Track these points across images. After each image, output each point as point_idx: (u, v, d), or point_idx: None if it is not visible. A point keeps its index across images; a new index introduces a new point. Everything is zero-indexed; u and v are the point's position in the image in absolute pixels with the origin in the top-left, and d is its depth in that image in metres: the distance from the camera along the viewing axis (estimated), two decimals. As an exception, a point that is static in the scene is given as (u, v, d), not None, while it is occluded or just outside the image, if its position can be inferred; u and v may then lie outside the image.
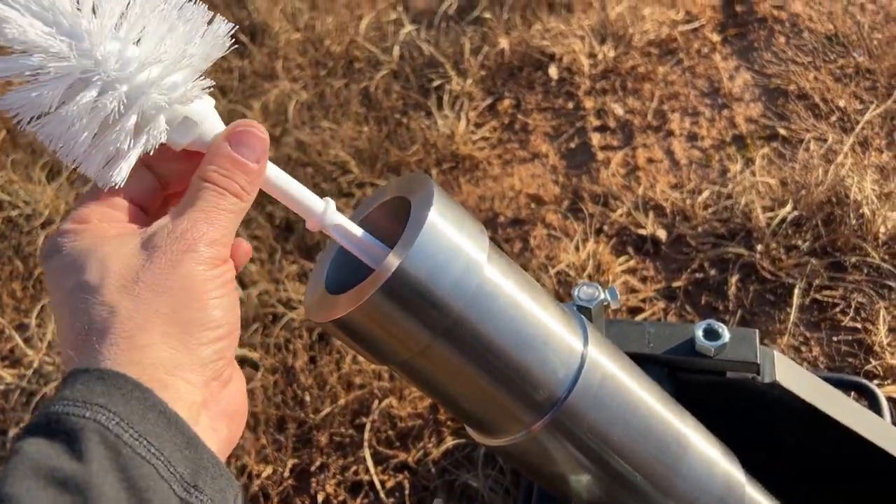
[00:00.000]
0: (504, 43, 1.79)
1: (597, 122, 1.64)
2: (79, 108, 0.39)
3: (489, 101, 1.71)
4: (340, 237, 0.49)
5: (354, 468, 1.14)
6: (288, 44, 1.96)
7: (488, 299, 0.56)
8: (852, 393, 0.97)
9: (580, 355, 0.61)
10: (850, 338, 1.17)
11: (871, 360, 1.13)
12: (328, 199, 0.47)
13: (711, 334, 0.75)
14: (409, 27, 1.90)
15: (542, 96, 1.72)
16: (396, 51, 1.86)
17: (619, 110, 1.65)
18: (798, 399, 0.76)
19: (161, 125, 0.41)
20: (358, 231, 0.50)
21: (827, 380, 0.85)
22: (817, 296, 1.22)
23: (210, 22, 0.43)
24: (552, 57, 1.78)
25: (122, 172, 0.40)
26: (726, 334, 0.75)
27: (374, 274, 0.52)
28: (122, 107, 0.40)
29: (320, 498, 1.12)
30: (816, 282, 1.23)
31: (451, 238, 0.53)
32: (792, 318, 1.19)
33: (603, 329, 0.78)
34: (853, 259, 1.24)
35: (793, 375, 0.78)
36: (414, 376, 0.59)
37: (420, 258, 0.51)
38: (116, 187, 0.41)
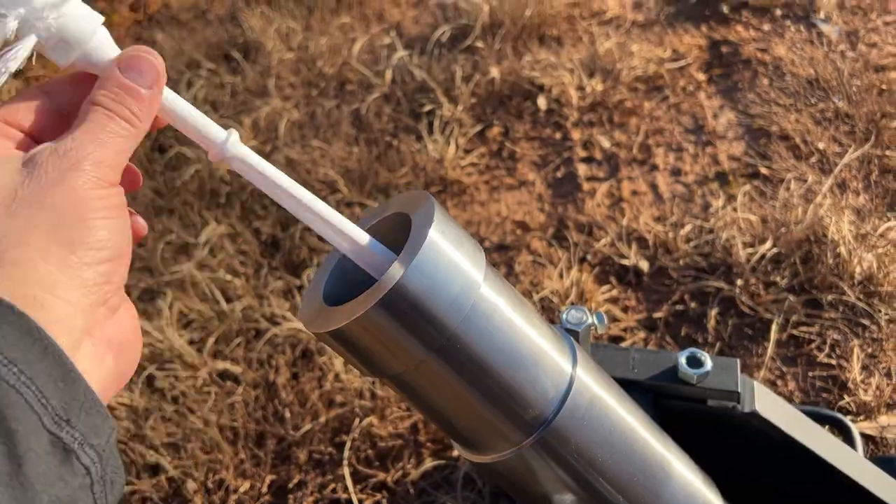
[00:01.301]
0: (495, 72, 1.83)
1: (583, 154, 1.67)
2: None
3: (478, 128, 1.74)
4: (243, 168, 0.46)
5: (333, 486, 1.14)
6: (281, 63, 1.98)
7: (484, 318, 0.57)
8: (826, 427, 0.99)
9: (569, 376, 0.62)
10: (824, 374, 1.20)
11: (845, 395, 1.16)
12: (232, 129, 0.45)
13: (694, 362, 0.77)
14: (401, 52, 1.93)
15: (531, 125, 1.75)
16: (389, 74, 1.88)
17: (605, 143, 1.69)
18: (776, 429, 0.78)
19: (31, 41, 0.39)
20: (270, 170, 0.47)
21: (803, 413, 0.87)
22: (794, 331, 1.25)
23: None
24: (541, 88, 1.81)
25: None
26: (709, 363, 0.77)
27: (373, 287, 0.53)
28: (9, 30, 0.39)
29: (299, 516, 1.12)
30: (793, 318, 1.26)
31: (450, 256, 0.54)
32: (769, 352, 1.21)
33: (589, 353, 0.79)
34: (829, 297, 1.27)
35: (772, 406, 0.79)
36: (406, 391, 0.60)
37: (420, 274, 0.52)
38: None
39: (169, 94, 0.43)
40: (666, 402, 0.79)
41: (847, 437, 0.96)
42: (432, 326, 0.53)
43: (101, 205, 0.37)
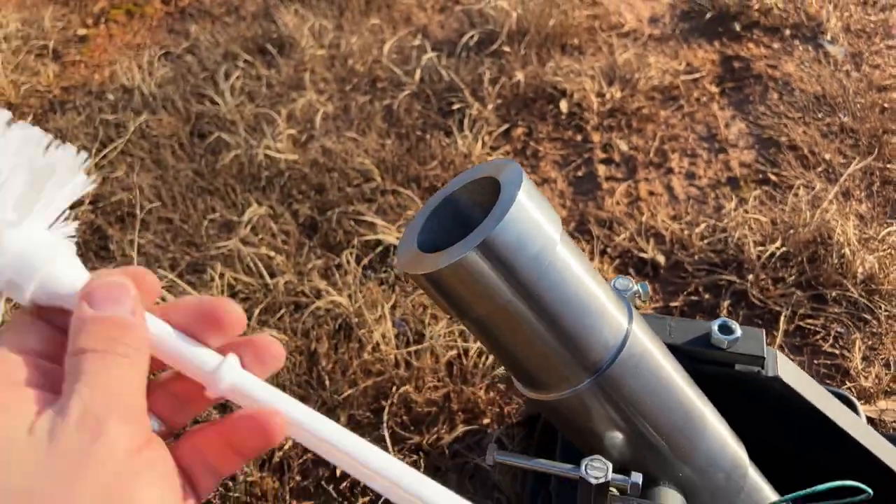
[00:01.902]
0: (520, 76, 1.92)
1: (603, 155, 1.77)
2: None
3: (504, 127, 1.83)
4: (245, 400, 0.36)
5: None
6: (314, 59, 2.07)
7: (559, 272, 0.66)
8: (833, 403, 1.08)
9: (626, 330, 0.71)
10: (829, 362, 1.30)
11: (847, 382, 1.25)
12: (231, 354, 0.36)
13: (725, 329, 0.87)
14: (430, 53, 2.03)
15: (553, 127, 1.85)
16: (418, 74, 1.98)
17: (623, 146, 1.79)
18: (797, 395, 0.88)
19: None
20: (263, 390, 0.36)
21: None
22: (801, 323, 1.35)
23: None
24: (564, 92, 1.91)
25: None
26: (738, 330, 0.86)
27: (468, 238, 0.62)
28: None
29: (339, 471, 1.20)
30: (800, 311, 1.36)
31: (534, 216, 0.64)
32: (778, 341, 1.31)
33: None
34: (834, 293, 1.37)
35: (793, 373, 0.89)
36: (484, 331, 0.69)
37: (509, 229, 0.62)
38: None
39: (153, 321, 0.35)
40: (698, 366, 0.89)
41: (853, 412, 1.06)
42: (515, 276, 0.63)
43: (145, 478, 0.31)
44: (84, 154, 0.37)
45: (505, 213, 0.62)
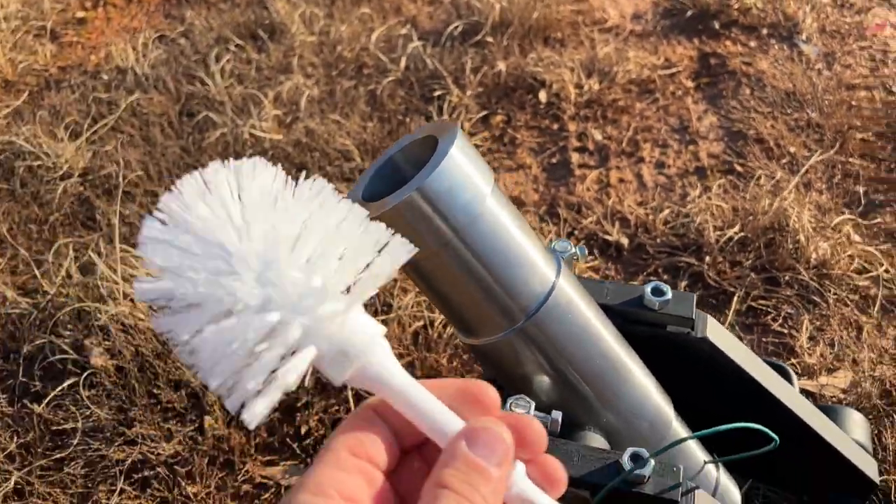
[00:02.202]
0: (501, 66, 1.98)
1: (577, 144, 1.83)
2: (241, 339, 0.33)
3: (483, 113, 1.89)
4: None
5: (336, 407, 1.28)
6: (303, 45, 2.13)
7: (488, 222, 0.72)
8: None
9: (552, 282, 0.77)
10: (777, 340, 1.35)
11: (792, 358, 1.31)
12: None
13: (657, 292, 0.92)
14: (416, 42, 2.09)
15: (531, 116, 1.91)
16: (403, 62, 2.04)
17: (597, 135, 1.84)
18: (725, 356, 0.93)
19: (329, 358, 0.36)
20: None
21: None
22: (753, 304, 1.40)
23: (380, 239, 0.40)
24: (543, 83, 1.97)
25: (263, 410, 0.34)
26: (669, 293, 0.92)
27: (405, 187, 0.68)
28: (291, 338, 0.34)
29: (303, 430, 1.26)
30: (754, 292, 1.42)
31: (466, 170, 0.70)
32: (729, 318, 1.37)
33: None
34: (787, 276, 1.43)
35: (722, 336, 0.95)
36: (422, 278, 0.75)
37: (441, 179, 0.68)
38: (252, 426, 0.34)
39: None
40: (632, 327, 0.94)
41: (788, 382, 1.12)
42: (446, 223, 0.69)
43: None
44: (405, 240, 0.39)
45: (438, 164, 0.68)
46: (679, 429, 0.90)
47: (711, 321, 0.95)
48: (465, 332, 0.80)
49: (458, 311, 0.77)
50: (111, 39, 2.32)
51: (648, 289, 0.93)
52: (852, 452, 1.04)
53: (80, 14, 2.48)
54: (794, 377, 1.12)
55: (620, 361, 0.84)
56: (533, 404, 0.76)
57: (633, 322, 0.95)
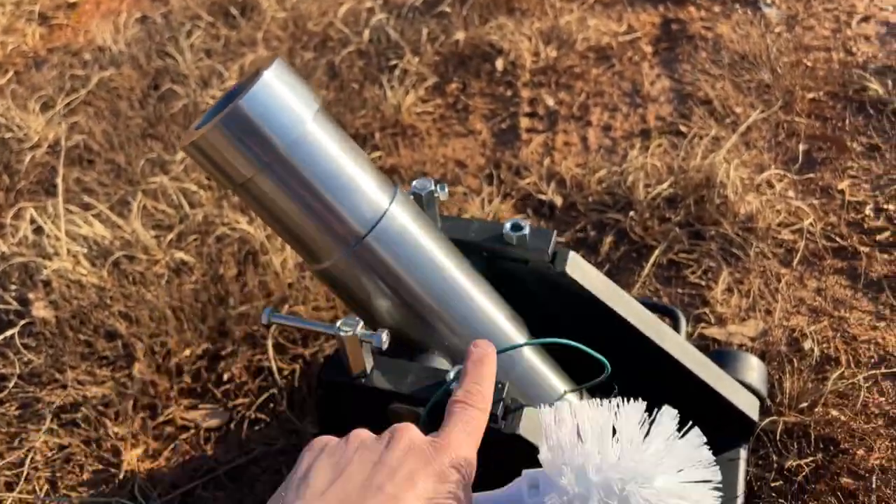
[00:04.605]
0: (460, 35, 2.01)
1: (528, 110, 1.85)
2: None
3: (438, 82, 1.93)
4: None
5: (260, 357, 1.34)
6: (273, 20, 2.19)
7: (311, 146, 0.77)
8: (663, 317, 1.16)
9: (384, 209, 0.81)
10: (693, 292, 1.37)
11: (706, 309, 1.32)
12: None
13: (515, 227, 0.95)
14: (380, 15, 2.13)
15: (486, 83, 1.94)
16: (366, 34, 2.08)
17: (549, 101, 1.86)
18: (584, 289, 0.96)
19: None
20: None
21: (642, 303, 1.04)
22: (675, 257, 1.42)
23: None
24: (500, 51, 1.99)
25: None
26: (527, 228, 0.95)
27: (222, 112, 0.73)
28: None
29: (226, 377, 1.32)
30: (677, 247, 1.43)
31: (280, 94, 0.74)
32: (646, 271, 1.38)
33: (437, 219, 0.98)
34: (712, 231, 1.44)
35: (583, 271, 0.97)
36: (251, 201, 0.79)
37: (254, 103, 0.72)
38: None
39: None
40: (497, 262, 0.98)
41: (676, 325, 1.14)
42: (262, 146, 0.73)
43: None
44: None
45: (250, 89, 0.73)
46: (532, 358, 0.93)
47: (575, 257, 0.98)
48: (308, 258, 0.84)
49: (294, 234, 0.81)
50: (98, 22, 2.41)
51: (508, 225, 0.96)
52: (731, 392, 1.06)
53: (72, -1, 2.58)
54: (683, 320, 1.14)
55: (463, 289, 0.87)
56: (360, 323, 0.80)
57: (498, 258, 0.98)
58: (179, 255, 1.46)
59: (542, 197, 1.59)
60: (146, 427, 1.27)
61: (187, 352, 1.35)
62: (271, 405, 1.28)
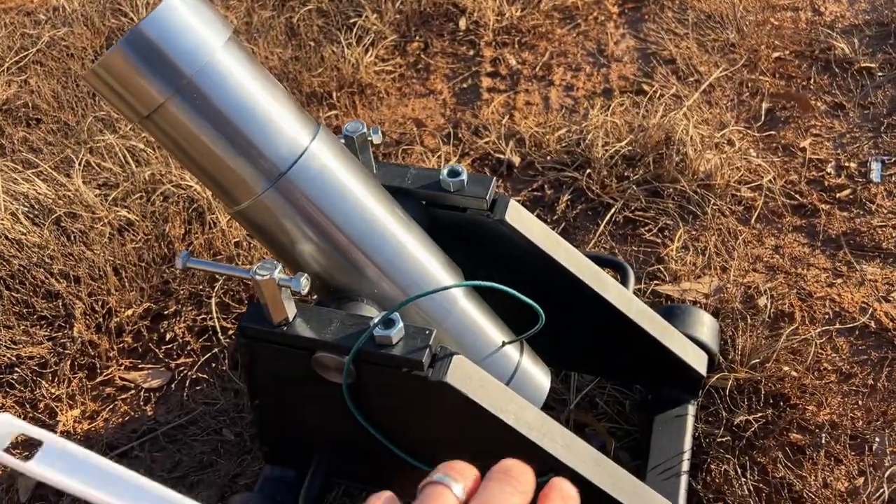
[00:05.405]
0: (422, -6, 1.96)
1: (490, 69, 1.81)
2: None
3: (399, 41, 1.88)
4: None
5: (204, 316, 1.30)
6: (232, -21, 2.13)
7: (219, 76, 0.72)
8: (610, 270, 1.13)
9: (304, 146, 0.77)
10: (648, 249, 1.34)
11: (661, 266, 1.30)
12: None
13: (452, 173, 0.92)
14: (342, -26, 2.07)
15: (449, 43, 1.89)
16: (327, -7, 2.02)
17: (512, 61, 1.82)
18: (522, 237, 0.93)
19: None
20: None
21: (590, 257, 1.01)
22: (631, 215, 1.39)
23: None
24: (464, 10, 1.95)
25: None
26: (465, 175, 0.91)
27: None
28: None
29: (168, 337, 1.28)
30: (634, 205, 1.40)
31: (187, 19, 0.70)
32: (601, 228, 1.35)
33: (372, 164, 0.94)
34: (670, 189, 1.41)
35: (523, 219, 0.94)
36: (160, 136, 0.75)
37: (155, 26, 0.68)
38: None
39: None
40: (434, 211, 0.94)
41: (624, 279, 1.11)
42: (166, 71, 0.69)
43: None
44: None
45: (154, 13, 0.68)
46: (467, 306, 0.90)
47: (515, 205, 0.94)
48: (225, 198, 0.80)
49: (208, 172, 0.77)
50: (53, -19, 2.33)
51: (445, 171, 0.92)
52: (678, 346, 1.03)
53: (27, -42, 2.50)
54: (632, 274, 1.11)
55: (391, 233, 0.83)
56: (278, 267, 0.76)
57: (436, 206, 0.95)
58: (124, 213, 1.42)
59: (501, 156, 1.55)
60: (84, 388, 1.23)
61: (129, 312, 1.31)
62: (213, 365, 1.24)
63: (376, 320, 0.77)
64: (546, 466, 0.83)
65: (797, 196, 1.40)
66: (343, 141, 0.89)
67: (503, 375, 0.92)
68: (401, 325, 0.76)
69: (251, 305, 0.83)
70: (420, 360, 0.76)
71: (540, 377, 0.96)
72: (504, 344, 0.93)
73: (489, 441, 0.83)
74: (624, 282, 1.10)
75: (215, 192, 0.82)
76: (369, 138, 0.91)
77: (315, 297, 0.92)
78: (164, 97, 0.70)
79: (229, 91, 0.73)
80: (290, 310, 0.80)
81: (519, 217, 0.93)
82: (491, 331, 0.92)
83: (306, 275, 0.76)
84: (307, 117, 0.80)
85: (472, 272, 0.94)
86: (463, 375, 0.79)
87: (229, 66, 0.73)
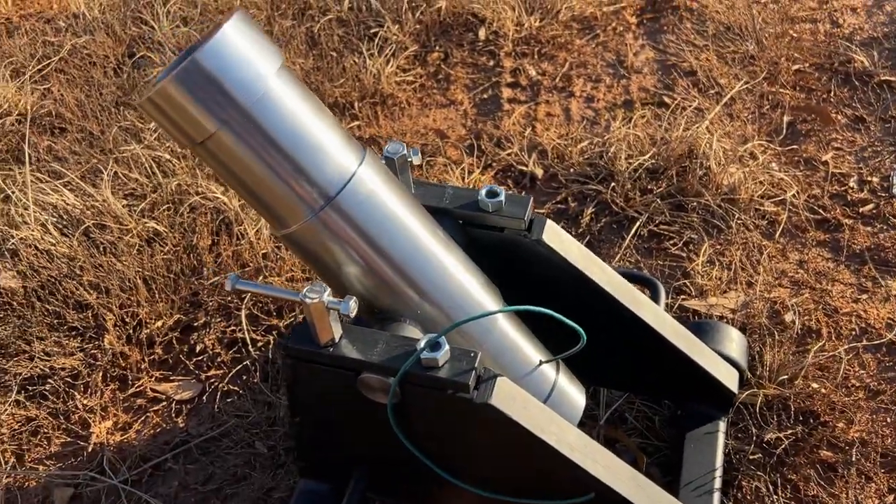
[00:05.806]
0: (442, 3, 1.97)
1: (511, 80, 1.82)
2: None
3: (420, 51, 1.89)
4: None
5: (233, 328, 1.31)
6: (252, -13, 2.14)
7: (273, 104, 0.74)
8: (642, 287, 1.14)
9: (352, 171, 0.79)
10: (674, 263, 1.35)
11: (687, 281, 1.31)
12: None
13: (491, 194, 0.93)
14: (361, -17, 2.08)
15: (468, 53, 1.90)
16: (346, 2, 2.03)
17: (532, 71, 1.83)
18: (560, 257, 0.94)
19: None
20: None
21: (621, 274, 1.02)
22: (656, 229, 1.40)
23: None
24: (483, 21, 1.95)
25: None
26: (503, 195, 0.93)
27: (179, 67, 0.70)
28: None
29: (198, 348, 1.29)
30: (659, 218, 1.41)
31: (243, 50, 0.71)
32: (627, 242, 1.36)
33: (411, 184, 0.95)
34: (694, 203, 1.42)
35: (560, 240, 0.95)
36: (212, 161, 0.76)
37: (210, 57, 0.69)
38: None
39: None
40: (472, 230, 0.95)
41: (655, 295, 1.12)
42: (222, 101, 0.70)
43: None
44: None
45: (208, 41, 0.70)
46: (506, 326, 0.91)
47: (552, 226, 0.95)
48: (274, 222, 0.81)
49: (258, 197, 0.78)
50: (72, -12, 2.34)
51: (483, 191, 0.93)
52: (710, 363, 1.04)
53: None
54: (662, 291, 1.12)
55: (434, 256, 0.85)
56: (328, 290, 0.77)
57: (473, 226, 0.96)
58: (152, 224, 1.43)
59: (524, 168, 1.56)
60: (116, 399, 1.25)
61: (159, 323, 1.32)
62: (244, 377, 1.25)
63: (422, 343, 0.78)
64: (586, 487, 0.84)
65: (820, 210, 1.41)
66: (384, 162, 0.90)
67: (541, 394, 0.93)
68: (447, 347, 0.78)
69: (296, 326, 0.84)
70: (466, 383, 0.77)
71: (575, 395, 0.98)
72: (541, 363, 0.94)
73: (530, 459, 0.84)
74: (655, 298, 1.11)
75: (264, 216, 0.83)
76: (409, 159, 0.93)
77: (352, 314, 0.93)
78: (216, 127, 0.71)
79: (282, 119, 0.74)
80: (337, 331, 0.81)
81: (557, 237, 0.95)
82: (529, 350, 0.93)
83: (355, 298, 0.77)
84: (353, 141, 0.81)
85: (508, 290, 0.95)
86: (507, 397, 0.80)
87: (282, 94, 0.74)
